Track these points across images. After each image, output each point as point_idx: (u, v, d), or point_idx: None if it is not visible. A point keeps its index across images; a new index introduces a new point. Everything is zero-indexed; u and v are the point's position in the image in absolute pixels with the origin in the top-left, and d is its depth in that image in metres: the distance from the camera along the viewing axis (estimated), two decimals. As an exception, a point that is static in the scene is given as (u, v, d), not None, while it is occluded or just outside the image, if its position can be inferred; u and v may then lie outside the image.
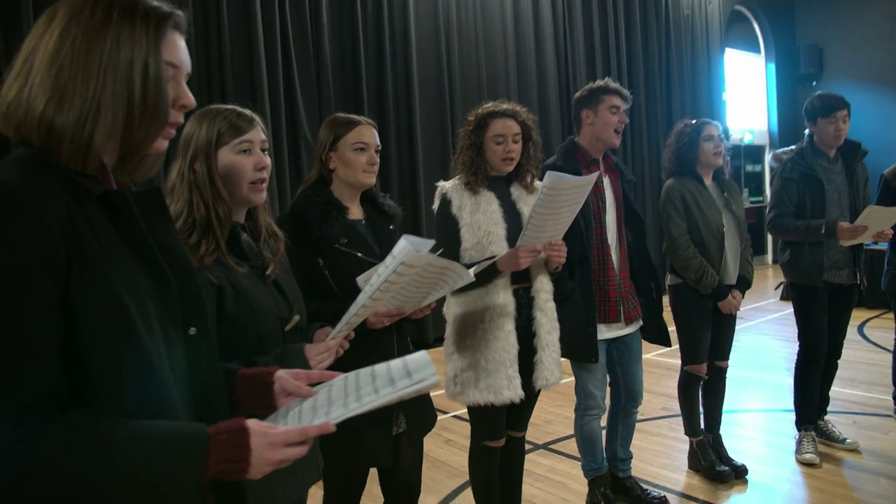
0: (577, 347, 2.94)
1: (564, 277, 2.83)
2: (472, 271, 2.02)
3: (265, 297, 1.69)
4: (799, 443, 3.84)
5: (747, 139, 11.80)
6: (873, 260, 6.81)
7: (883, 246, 3.92)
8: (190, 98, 1.14)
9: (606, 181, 3.10)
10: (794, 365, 3.89)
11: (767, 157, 12.01)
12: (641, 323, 3.19)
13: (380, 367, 1.29)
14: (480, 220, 2.58)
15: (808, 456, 3.72)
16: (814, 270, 3.66)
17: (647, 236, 3.20)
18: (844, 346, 3.93)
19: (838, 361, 3.93)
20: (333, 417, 1.12)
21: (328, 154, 2.30)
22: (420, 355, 1.26)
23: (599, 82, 3.09)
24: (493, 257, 2.48)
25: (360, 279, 2.02)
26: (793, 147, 3.95)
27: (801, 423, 3.87)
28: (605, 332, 3.05)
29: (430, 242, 1.57)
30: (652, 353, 6.15)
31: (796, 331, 3.85)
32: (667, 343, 3.22)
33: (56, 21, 1.05)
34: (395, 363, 1.27)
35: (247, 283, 1.66)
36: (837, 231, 3.53)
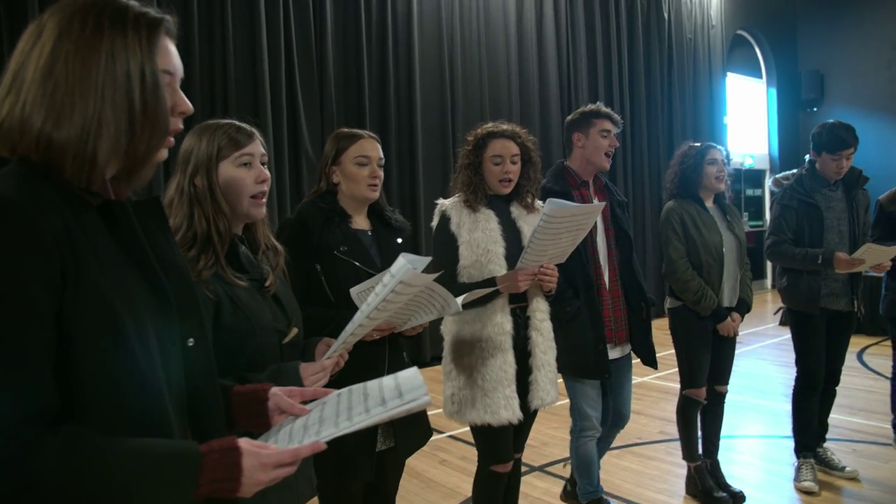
0: (588, 365, 2.96)
1: (569, 296, 2.85)
2: (460, 301, 2.03)
3: (263, 311, 1.69)
4: (798, 470, 3.81)
5: (748, 163, 11.85)
6: (872, 288, 6.82)
7: (866, 273, 3.92)
8: (187, 104, 1.13)
9: (596, 202, 3.12)
10: (792, 391, 3.88)
11: (768, 181, 12.06)
12: (629, 346, 3.20)
13: (372, 385, 1.29)
14: (479, 238, 2.59)
15: (806, 484, 3.69)
16: (811, 298, 3.66)
17: (635, 255, 3.23)
18: (843, 372, 3.91)
19: (836, 388, 3.92)
20: (324, 436, 1.12)
21: (331, 168, 2.32)
22: (411, 373, 1.26)
23: (591, 106, 3.15)
24: (487, 286, 2.50)
25: (353, 291, 2.02)
26: (794, 171, 3.96)
27: (799, 451, 3.85)
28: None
29: (427, 260, 1.56)
30: (650, 377, 6.13)
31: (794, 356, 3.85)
32: (653, 365, 3.21)
33: (45, 35, 1.02)
34: (388, 381, 1.27)
35: (245, 296, 1.66)
36: (834, 261, 3.53)
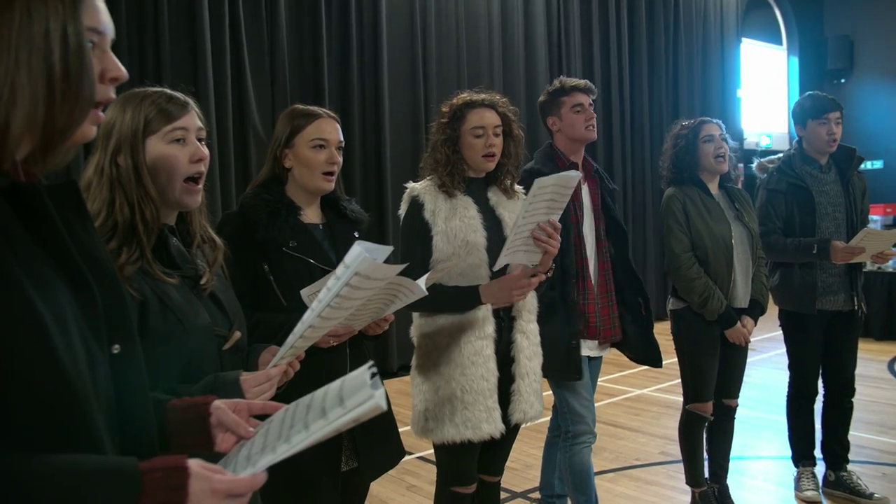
0: (557, 363, 3.01)
1: (544, 286, 2.87)
2: (422, 282, 2.02)
3: (199, 312, 1.69)
4: (798, 480, 3.95)
5: (764, 143, 11.97)
6: (879, 284, 6.92)
7: (889, 268, 4.01)
8: (120, 69, 1.12)
9: (585, 189, 3.23)
10: (786, 399, 4.00)
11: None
12: (609, 347, 3.29)
13: (318, 395, 1.25)
14: (457, 228, 2.61)
15: (809, 493, 3.83)
16: (805, 295, 3.74)
17: (630, 248, 3.33)
18: (871, 385, 3.97)
19: (854, 401, 3.98)
20: (261, 466, 1.10)
21: (283, 150, 2.33)
22: (356, 374, 1.21)
23: (555, 83, 3.28)
24: (468, 300, 2.55)
25: (304, 292, 2.02)
26: (780, 154, 4.03)
27: (797, 460, 4.00)
28: (583, 349, 3.12)
29: (388, 249, 1.55)
30: (650, 389, 6.19)
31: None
32: (657, 363, 3.29)
33: None
34: (334, 387, 1.23)
35: (176, 295, 1.65)
36: (831, 250, 3.60)
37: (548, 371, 2.92)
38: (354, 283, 1.53)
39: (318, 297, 1.62)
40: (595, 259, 3.19)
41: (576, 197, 3.10)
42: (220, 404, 1.36)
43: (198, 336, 1.66)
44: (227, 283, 1.87)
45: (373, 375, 1.15)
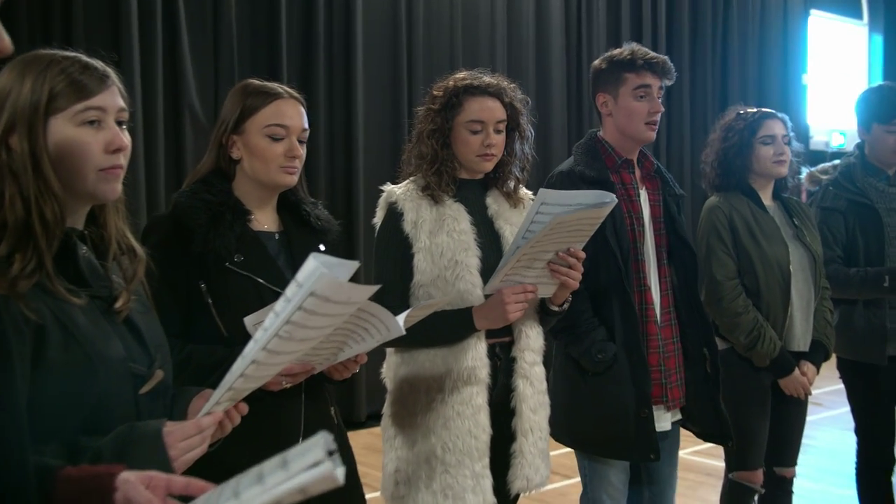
0: (626, 440, 2.91)
1: (599, 335, 2.86)
2: (401, 319, 2.01)
3: (111, 343, 1.66)
4: None
5: (836, 143, 11.87)
6: None
7: None
8: (4, 40, 1.11)
9: (644, 194, 3.13)
10: (855, 471, 3.98)
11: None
12: (679, 413, 3.17)
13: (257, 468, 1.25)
14: (444, 244, 2.62)
15: None
16: (872, 341, 3.73)
17: (700, 276, 3.23)
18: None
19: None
20: None
21: (231, 137, 2.32)
22: (316, 439, 1.21)
23: (623, 51, 3.10)
24: (461, 325, 2.54)
25: (248, 320, 2.02)
26: (836, 162, 4.02)
27: None
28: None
29: (353, 265, 1.52)
30: (685, 451, 6.11)
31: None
32: (727, 439, 3.20)
33: None
34: (293, 452, 1.23)
35: (84, 320, 1.63)
36: None
37: (604, 447, 2.90)
38: (310, 307, 1.49)
39: (262, 326, 1.60)
40: (658, 292, 3.10)
41: (634, 206, 3.04)
42: (129, 477, 1.35)
43: (109, 373, 1.63)
44: (150, 306, 1.86)
45: (331, 453, 1.13)
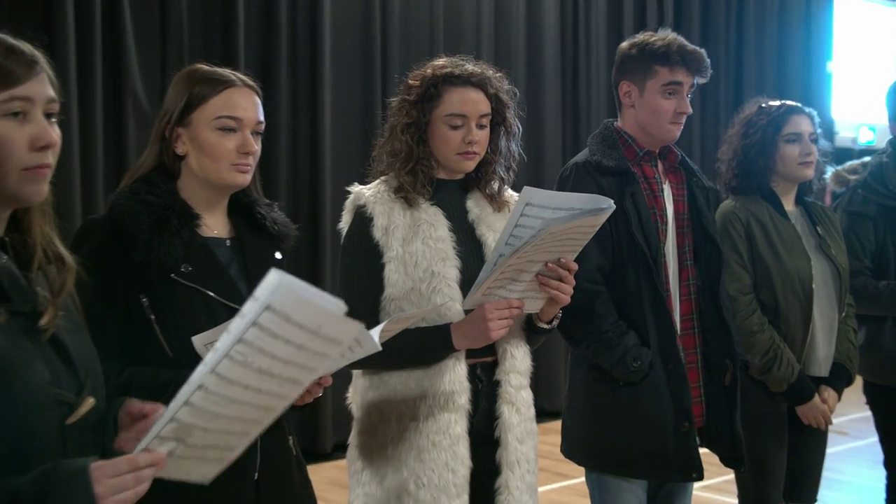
0: (664, 455, 2.94)
1: (631, 341, 2.88)
2: (376, 333, 2.02)
3: (34, 366, 1.64)
4: None
5: (865, 139, 11.94)
6: None
7: None
8: None
9: (667, 189, 3.14)
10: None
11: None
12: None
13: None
14: (419, 253, 2.63)
15: None
16: None
17: (724, 280, 3.23)
18: None
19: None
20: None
21: (176, 130, 2.31)
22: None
23: (656, 38, 3.10)
24: (438, 342, 2.55)
25: (197, 340, 2.04)
26: (866, 160, 4.01)
27: None
28: None
29: (320, 293, 1.49)
30: (696, 486, 6.14)
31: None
32: (738, 464, 3.21)
33: None
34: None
35: (2, 340, 1.60)
36: None
37: (638, 466, 2.92)
38: (266, 324, 1.47)
39: (214, 347, 1.57)
40: (678, 296, 3.11)
41: (657, 202, 3.05)
42: None
43: (30, 401, 1.60)
44: (81, 324, 1.83)
45: None
